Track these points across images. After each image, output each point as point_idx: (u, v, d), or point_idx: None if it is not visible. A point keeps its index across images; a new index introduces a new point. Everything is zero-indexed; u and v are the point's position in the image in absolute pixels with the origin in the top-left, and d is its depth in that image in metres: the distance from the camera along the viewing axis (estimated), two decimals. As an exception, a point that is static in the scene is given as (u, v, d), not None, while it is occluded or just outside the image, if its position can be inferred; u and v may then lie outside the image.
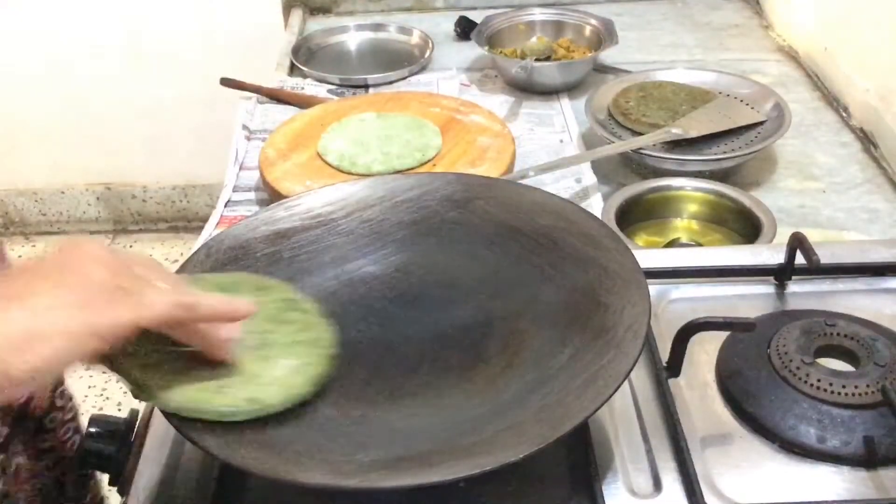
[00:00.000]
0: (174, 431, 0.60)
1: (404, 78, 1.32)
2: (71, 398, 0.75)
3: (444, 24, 1.48)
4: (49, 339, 0.45)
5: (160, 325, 0.49)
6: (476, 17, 1.40)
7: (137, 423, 0.65)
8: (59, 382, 0.73)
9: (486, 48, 1.29)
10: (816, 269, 0.71)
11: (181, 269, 0.64)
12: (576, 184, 1.03)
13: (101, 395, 1.92)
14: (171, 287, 0.50)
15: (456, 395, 0.59)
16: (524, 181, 0.91)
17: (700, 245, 0.93)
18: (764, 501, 0.57)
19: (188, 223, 2.52)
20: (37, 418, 0.70)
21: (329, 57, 1.42)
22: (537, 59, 1.26)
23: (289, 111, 1.22)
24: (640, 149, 1.02)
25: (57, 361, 0.45)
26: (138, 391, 0.53)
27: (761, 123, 1.08)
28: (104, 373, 0.59)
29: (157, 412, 0.63)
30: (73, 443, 0.74)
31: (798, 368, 0.63)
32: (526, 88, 1.26)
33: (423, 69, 1.34)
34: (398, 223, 0.71)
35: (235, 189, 1.08)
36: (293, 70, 1.36)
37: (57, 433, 0.72)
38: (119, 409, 1.85)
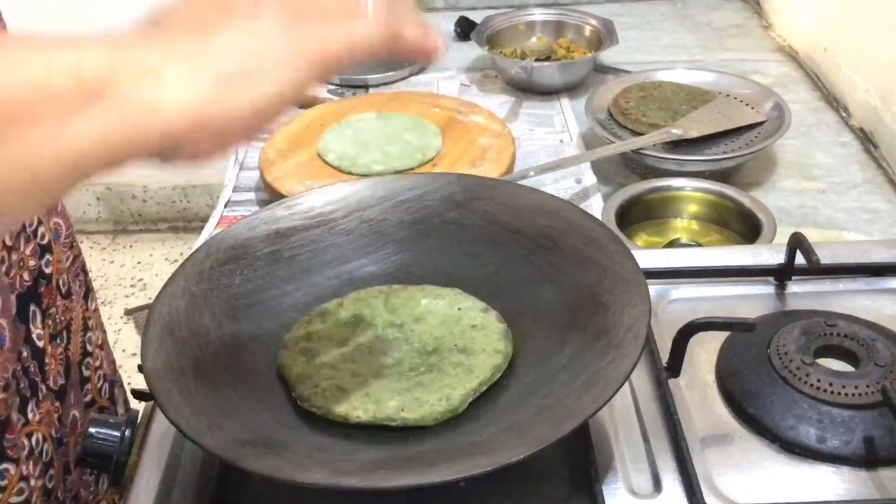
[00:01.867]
0: (174, 431, 0.60)
1: (404, 78, 1.32)
2: (101, 346, 0.76)
3: (444, 24, 1.48)
4: (261, 71, 0.40)
5: (368, 53, 0.43)
6: (476, 17, 1.40)
7: (137, 423, 0.65)
8: (87, 328, 0.73)
9: (486, 48, 1.29)
10: (816, 270, 0.71)
11: (181, 269, 0.64)
12: (576, 184, 1.03)
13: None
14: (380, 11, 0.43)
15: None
16: (524, 182, 0.91)
17: (700, 245, 0.93)
18: (764, 501, 0.57)
19: (188, 223, 2.52)
20: (77, 366, 0.70)
21: (329, 57, 1.42)
22: (537, 60, 1.26)
23: (288, 111, 1.22)
24: (640, 149, 1.02)
25: (276, 96, 0.42)
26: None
27: (761, 123, 1.08)
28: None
29: (157, 412, 0.63)
30: (106, 391, 0.75)
31: (798, 369, 0.63)
32: (526, 89, 1.26)
33: (423, 69, 1.34)
34: (398, 223, 0.71)
35: (235, 189, 1.08)
36: (293, 70, 1.36)
37: (92, 381, 0.73)
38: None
